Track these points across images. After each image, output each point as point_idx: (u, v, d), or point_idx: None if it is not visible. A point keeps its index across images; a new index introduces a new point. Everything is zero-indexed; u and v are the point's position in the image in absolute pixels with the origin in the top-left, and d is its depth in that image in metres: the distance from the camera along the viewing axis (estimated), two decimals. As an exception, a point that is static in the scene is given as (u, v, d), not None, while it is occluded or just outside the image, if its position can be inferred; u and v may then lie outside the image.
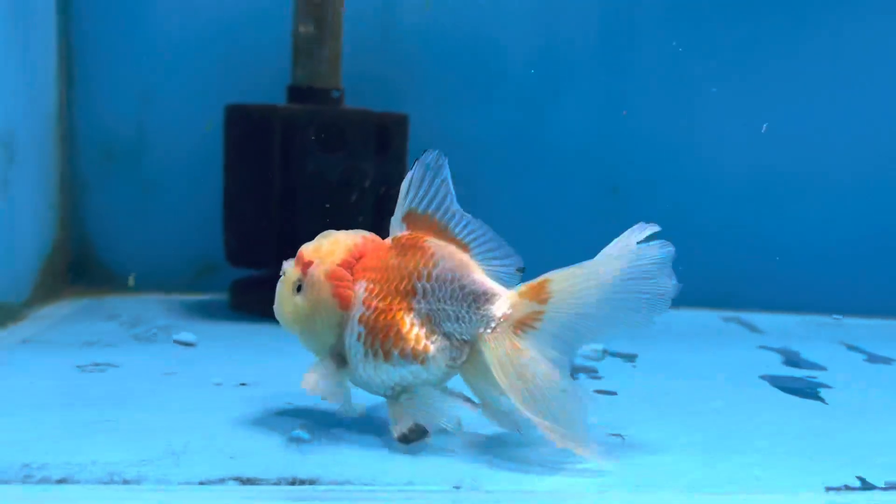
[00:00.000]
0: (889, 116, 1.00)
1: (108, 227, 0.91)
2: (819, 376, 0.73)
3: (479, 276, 0.50)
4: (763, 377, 0.71)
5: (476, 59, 0.96)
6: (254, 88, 0.88)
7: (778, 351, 0.82)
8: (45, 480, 0.44)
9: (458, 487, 0.45)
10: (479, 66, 0.97)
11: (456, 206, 0.53)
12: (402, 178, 0.79)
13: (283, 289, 0.53)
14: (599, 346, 0.75)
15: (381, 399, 0.52)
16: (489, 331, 0.48)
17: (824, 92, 0.98)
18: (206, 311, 0.84)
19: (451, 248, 0.51)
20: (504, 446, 0.50)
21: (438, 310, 0.51)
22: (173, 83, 0.90)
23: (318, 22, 0.84)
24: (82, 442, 0.49)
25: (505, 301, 0.48)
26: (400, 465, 0.47)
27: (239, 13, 0.90)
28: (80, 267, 0.91)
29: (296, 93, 0.84)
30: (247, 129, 0.82)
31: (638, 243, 0.48)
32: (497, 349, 0.47)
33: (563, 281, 0.47)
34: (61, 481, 0.44)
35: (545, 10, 0.99)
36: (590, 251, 0.49)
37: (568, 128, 0.98)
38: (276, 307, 0.53)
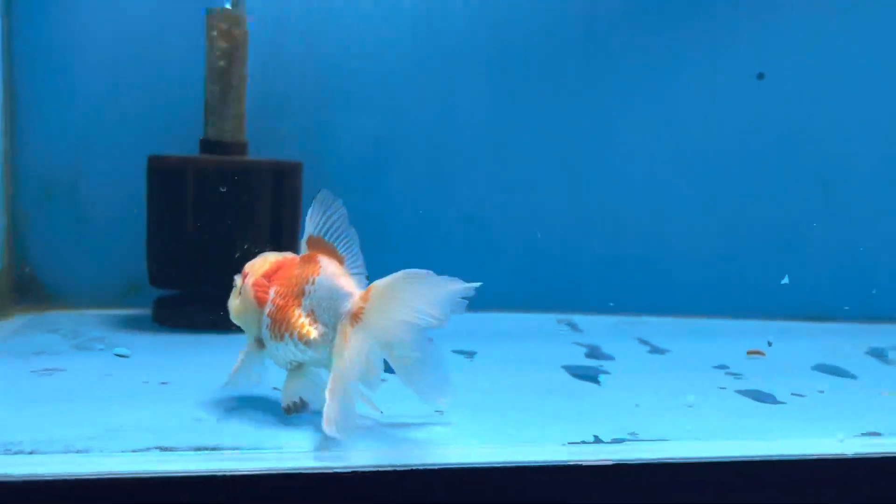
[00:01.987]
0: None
1: (48, 254, 1.02)
2: (605, 365, 0.90)
3: (345, 281, 0.64)
4: (564, 366, 0.88)
5: (362, 111, 1.09)
6: (172, 139, 1.00)
7: (586, 346, 0.99)
8: (20, 452, 0.58)
9: (321, 449, 0.62)
10: (364, 116, 1.09)
11: (344, 229, 0.67)
12: (296, 215, 0.96)
13: (232, 292, 0.70)
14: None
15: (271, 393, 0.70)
16: (341, 322, 0.62)
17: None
18: (133, 324, 0.97)
19: (332, 262, 0.66)
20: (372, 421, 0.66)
21: (318, 306, 0.65)
22: (105, 134, 1.03)
23: (225, 86, 0.99)
24: (44, 425, 0.63)
25: (353, 300, 0.63)
26: (279, 435, 0.62)
27: (161, 77, 1.02)
28: (24, 288, 1.01)
29: (206, 145, 0.98)
30: (165, 175, 0.95)
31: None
32: (337, 335, 0.62)
33: (380, 286, 0.61)
34: (33, 452, 0.58)
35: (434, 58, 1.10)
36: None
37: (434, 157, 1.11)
38: (228, 305, 0.70)
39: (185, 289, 0.95)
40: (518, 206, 1.12)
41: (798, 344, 1.04)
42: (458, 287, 0.61)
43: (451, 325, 0.94)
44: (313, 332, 0.64)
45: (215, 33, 0.95)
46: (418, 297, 0.59)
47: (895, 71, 1.13)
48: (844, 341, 1.06)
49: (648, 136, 1.12)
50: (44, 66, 0.99)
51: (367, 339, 0.60)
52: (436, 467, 0.58)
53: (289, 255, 0.69)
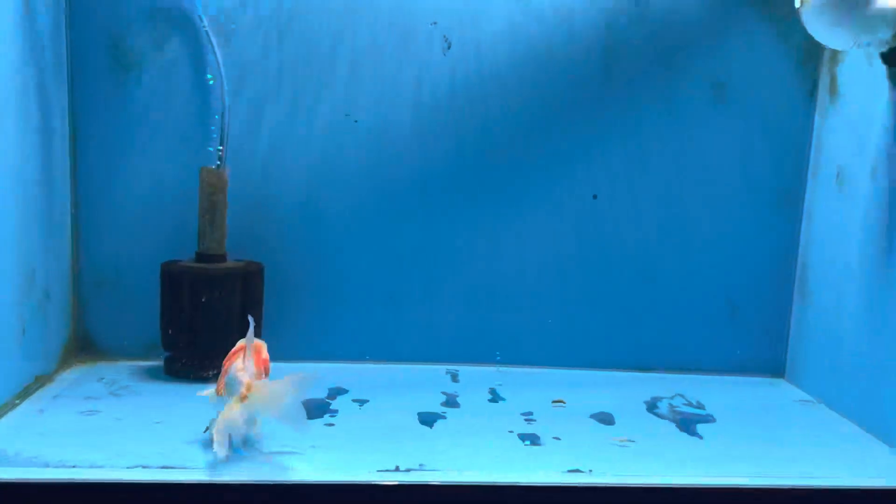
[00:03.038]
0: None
1: (99, 324, 1.40)
2: (448, 412, 1.17)
3: (242, 373, 0.95)
4: (419, 412, 1.16)
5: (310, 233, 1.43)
6: (183, 250, 1.37)
7: (448, 395, 1.25)
8: (65, 466, 0.93)
9: (214, 467, 0.95)
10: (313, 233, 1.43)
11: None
12: (258, 303, 1.37)
13: None
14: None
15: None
16: (234, 397, 0.94)
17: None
18: (150, 374, 1.33)
19: (241, 358, 0.97)
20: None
21: (231, 381, 0.97)
22: (137, 245, 1.37)
23: (211, 219, 1.39)
24: (81, 450, 0.97)
25: (241, 388, 0.94)
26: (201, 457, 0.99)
27: (174, 210, 1.38)
28: (81, 346, 1.39)
29: (199, 257, 1.35)
30: (171, 276, 1.31)
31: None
32: (228, 403, 0.95)
33: (258, 384, 0.95)
34: (74, 466, 0.92)
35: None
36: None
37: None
38: None
39: (183, 352, 1.29)
40: (426, 286, 1.46)
41: (601, 393, 1.31)
42: (305, 382, 0.96)
43: (363, 377, 1.36)
44: (226, 394, 1.01)
45: (204, 183, 1.37)
46: (279, 393, 0.93)
47: (708, 190, 1.47)
48: (639, 391, 1.34)
49: (513, 240, 1.45)
50: (98, 201, 1.37)
51: (244, 411, 0.96)
52: (281, 483, 0.91)
53: (242, 341, 1.01)
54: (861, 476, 1.07)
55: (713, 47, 1.45)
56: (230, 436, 0.95)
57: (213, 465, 0.96)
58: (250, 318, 1.02)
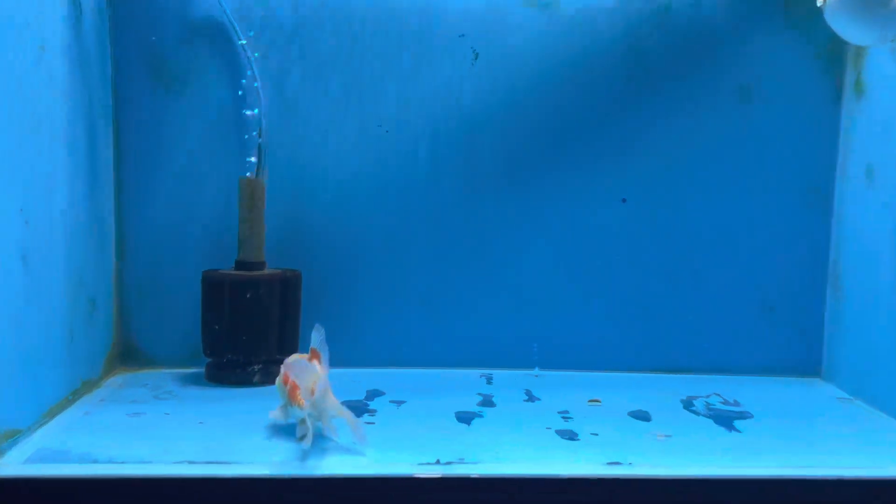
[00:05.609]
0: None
1: (143, 332, 1.43)
2: (484, 412, 1.19)
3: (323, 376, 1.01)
4: (456, 412, 1.17)
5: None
6: (223, 259, 1.41)
7: (483, 396, 1.26)
8: (114, 462, 1.01)
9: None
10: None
11: (323, 344, 1.04)
12: (296, 310, 1.38)
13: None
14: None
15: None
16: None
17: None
18: (192, 380, 1.35)
19: (316, 363, 1.04)
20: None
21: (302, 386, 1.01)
22: (177, 256, 1.40)
23: (251, 226, 1.42)
24: (129, 447, 1.00)
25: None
26: (247, 453, 1.04)
27: (216, 220, 1.41)
28: (125, 356, 1.42)
29: (238, 265, 1.38)
30: (212, 284, 1.34)
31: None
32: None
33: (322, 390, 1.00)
34: (123, 462, 0.98)
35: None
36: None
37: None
38: None
39: (223, 359, 1.31)
40: (459, 291, 1.47)
41: (636, 393, 1.31)
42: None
43: (398, 381, 1.36)
44: (304, 403, 1.01)
45: (243, 192, 1.40)
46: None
47: (737, 190, 1.46)
48: (674, 391, 1.33)
49: (546, 245, 1.46)
50: (140, 212, 1.41)
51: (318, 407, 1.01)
52: (323, 476, 0.96)
53: (302, 355, 1.09)
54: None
55: (737, 51, 1.45)
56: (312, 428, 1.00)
57: (268, 461, 0.98)
58: (318, 326, 1.07)
